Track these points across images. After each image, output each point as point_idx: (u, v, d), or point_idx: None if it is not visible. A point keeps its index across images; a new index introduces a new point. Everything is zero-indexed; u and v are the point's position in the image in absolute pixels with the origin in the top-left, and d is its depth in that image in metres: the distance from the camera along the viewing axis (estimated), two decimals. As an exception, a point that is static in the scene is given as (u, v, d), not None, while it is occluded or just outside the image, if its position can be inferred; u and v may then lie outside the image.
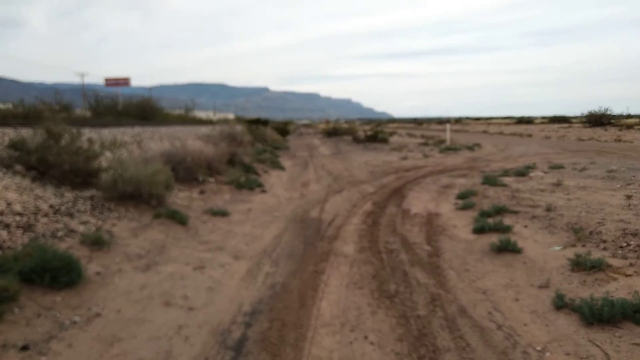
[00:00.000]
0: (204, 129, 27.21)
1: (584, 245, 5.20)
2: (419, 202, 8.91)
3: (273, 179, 12.57)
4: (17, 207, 5.11)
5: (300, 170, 15.36)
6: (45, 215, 5.45)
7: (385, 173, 13.92)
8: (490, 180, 10.32)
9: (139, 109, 45.62)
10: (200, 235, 6.15)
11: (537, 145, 26.60)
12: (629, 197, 7.29)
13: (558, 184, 9.58)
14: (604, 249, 4.98)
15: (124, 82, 71.28)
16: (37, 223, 4.95)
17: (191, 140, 18.80)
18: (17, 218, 4.88)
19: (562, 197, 7.93)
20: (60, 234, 5.09)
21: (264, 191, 10.26)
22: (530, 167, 13.44)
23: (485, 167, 14.96)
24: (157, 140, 16.19)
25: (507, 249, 5.22)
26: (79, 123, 18.05)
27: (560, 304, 3.82)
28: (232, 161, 12.77)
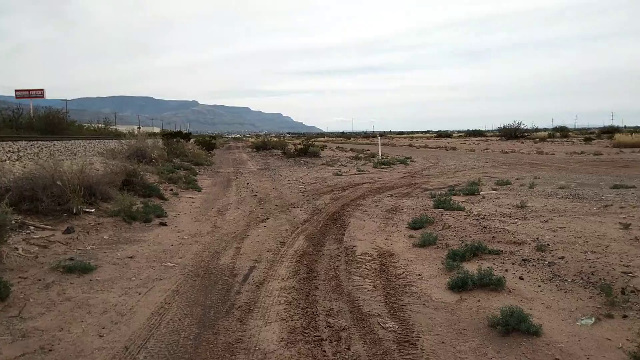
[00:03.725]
0: (114, 144, 23.85)
1: (624, 316, 3.45)
2: (364, 234, 6.96)
3: (182, 204, 10.10)
4: None
5: (220, 190, 12.96)
6: None
7: (319, 193, 11.95)
8: (443, 203, 8.64)
9: (44, 122, 40.32)
10: (22, 320, 3.68)
11: (468, 158, 26.21)
12: (626, 226, 5.83)
13: (522, 206, 8.12)
14: (664, 324, 3.26)
15: (37, 93, 64.04)
16: None
17: (90, 157, 15.72)
18: None
19: (541, 226, 6.34)
20: None
21: (163, 223, 7.81)
22: (475, 184, 12.14)
23: (425, 184, 13.52)
24: (40, 158, 13.05)
25: (518, 328, 3.34)
26: None
27: None
28: (129, 182, 10.14)
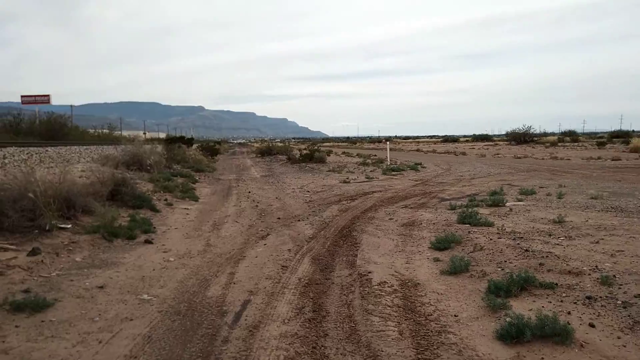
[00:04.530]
0: (111, 149, 23.03)
1: None
2: (379, 255, 5.97)
3: (175, 217, 9.15)
4: None
5: (219, 200, 12.02)
6: None
7: (326, 203, 10.98)
8: (469, 218, 7.62)
9: (46, 127, 39.59)
10: None
11: (480, 164, 25.16)
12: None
13: (561, 222, 7.10)
14: None
15: (43, 99, 63.46)
16: None
17: (83, 164, 14.84)
18: None
19: (594, 249, 5.32)
20: None
21: (148, 241, 6.84)
22: (498, 194, 11.12)
23: (441, 193, 12.52)
24: (27, 166, 12.16)
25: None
26: None
27: None
28: (117, 192, 9.22)
